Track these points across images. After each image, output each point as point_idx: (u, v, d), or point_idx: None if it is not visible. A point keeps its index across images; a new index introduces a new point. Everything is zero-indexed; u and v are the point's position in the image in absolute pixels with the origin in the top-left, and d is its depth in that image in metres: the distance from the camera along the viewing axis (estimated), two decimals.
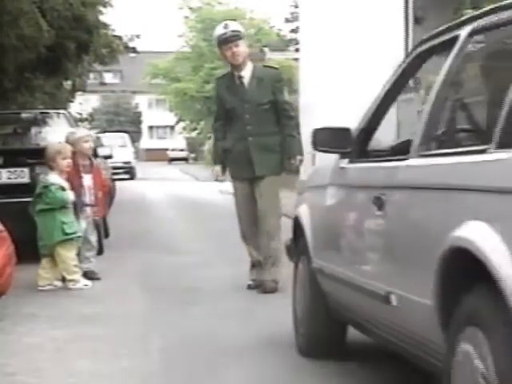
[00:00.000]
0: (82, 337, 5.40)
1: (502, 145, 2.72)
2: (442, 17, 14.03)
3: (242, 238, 6.99)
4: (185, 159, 54.73)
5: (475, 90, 3.54)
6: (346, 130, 4.16)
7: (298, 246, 4.82)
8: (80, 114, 27.11)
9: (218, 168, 7.02)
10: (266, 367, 4.58)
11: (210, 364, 4.71)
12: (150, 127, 69.93)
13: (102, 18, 17.10)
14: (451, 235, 2.79)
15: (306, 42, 24.82)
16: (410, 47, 14.76)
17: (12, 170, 8.80)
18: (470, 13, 11.22)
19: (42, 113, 11.44)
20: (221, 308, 6.25)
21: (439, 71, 3.39)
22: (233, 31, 6.88)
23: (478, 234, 2.65)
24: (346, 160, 4.19)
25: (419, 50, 3.81)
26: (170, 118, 57.06)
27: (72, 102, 25.14)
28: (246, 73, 6.90)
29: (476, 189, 2.77)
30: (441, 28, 3.60)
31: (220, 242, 9.68)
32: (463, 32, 3.31)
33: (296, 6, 37.63)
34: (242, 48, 6.86)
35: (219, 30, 6.93)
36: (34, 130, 10.49)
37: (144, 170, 37.28)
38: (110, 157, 11.26)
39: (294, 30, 43.17)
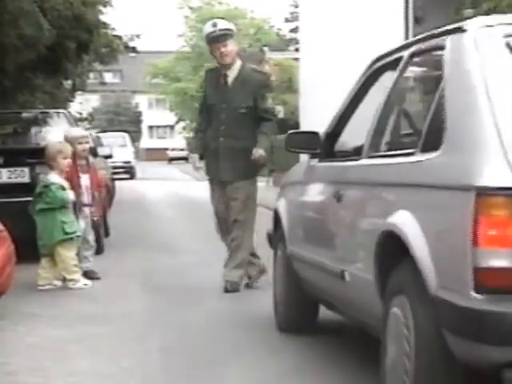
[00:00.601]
0: (82, 336, 5.40)
1: (424, 149, 3.36)
2: (442, 17, 14.02)
3: (221, 239, 7.09)
4: (185, 159, 54.64)
5: (412, 103, 4.08)
6: (315, 134, 4.83)
7: (276, 235, 5.46)
8: (80, 113, 27.14)
9: (195, 156, 7.02)
10: (263, 370, 4.59)
11: (210, 364, 4.71)
12: (150, 127, 69.94)
13: (102, 17, 17.10)
14: (385, 222, 3.45)
15: (305, 41, 24.82)
16: None
17: (12, 169, 8.80)
18: (470, 12, 11.20)
19: (42, 112, 11.45)
20: (221, 308, 6.25)
21: (385, 86, 4.07)
22: (221, 30, 6.80)
23: (403, 221, 3.30)
24: (316, 160, 4.84)
25: (374, 66, 4.44)
26: (169, 118, 57.08)
27: (72, 101, 25.16)
28: (232, 72, 6.82)
29: (403, 184, 3.44)
30: (390, 49, 4.20)
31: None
32: (406, 53, 3.92)
33: (296, 6, 37.64)
34: (230, 47, 6.78)
35: (208, 28, 6.87)
36: (34, 129, 10.49)
37: (144, 169, 37.26)
38: (109, 156, 11.27)
39: (293, 30, 43.19)
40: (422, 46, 3.78)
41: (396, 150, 3.80)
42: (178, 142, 60.48)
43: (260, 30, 49.00)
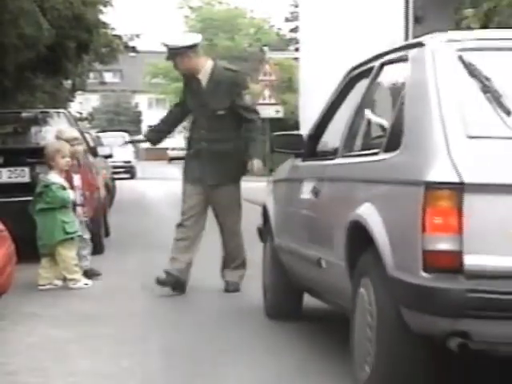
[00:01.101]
0: (82, 336, 5.39)
1: (386, 149, 3.82)
2: (442, 16, 14.02)
3: (176, 235, 6.83)
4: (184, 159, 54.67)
5: (380, 108, 4.42)
6: (299, 136, 5.33)
7: (265, 228, 5.90)
8: (80, 113, 27.12)
9: (140, 137, 7.27)
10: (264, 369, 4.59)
11: (211, 363, 4.71)
12: (150, 127, 69.95)
13: (102, 17, 17.08)
14: (352, 213, 3.92)
15: (305, 41, 24.81)
16: None
17: (12, 169, 8.79)
18: (470, 12, 11.09)
19: (42, 112, 11.43)
20: (221, 307, 6.25)
21: (358, 93, 4.52)
22: (171, 49, 6.73)
23: (367, 212, 3.77)
24: (299, 159, 5.27)
25: (350, 75, 4.86)
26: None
27: (72, 101, 25.15)
28: (204, 75, 6.70)
29: (368, 180, 3.92)
30: (364, 59, 4.63)
31: (219, 240, 9.66)
32: (377, 63, 4.37)
33: (296, 6, 37.61)
34: (185, 63, 6.68)
35: (166, 42, 6.85)
36: (34, 129, 10.48)
37: (144, 169, 37.26)
38: (109, 156, 11.25)
39: (293, 30, 43.16)
40: (390, 57, 4.23)
41: (365, 150, 4.23)
42: (178, 141, 60.48)
43: (260, 30, 48.99)
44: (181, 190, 7.00)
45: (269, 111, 24.54)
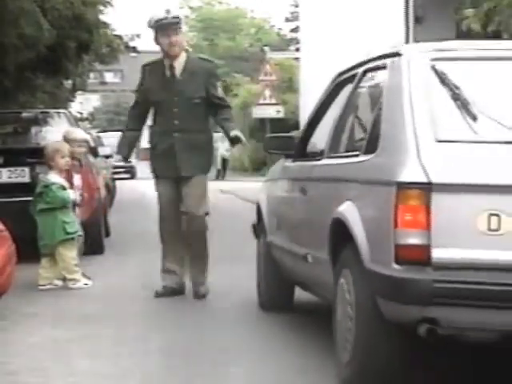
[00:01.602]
0: (82, 336, 5.40)
1: (366, 151, 4.13)
2: (443, 16, 14.02)
3: (161, 240, 6.81)
4: None
5: (362, 112, 4.66)
6: (290, 137, 5.68)
7: (259, 225, 6.20)
8: (80, 113, 27.12)
9: (119, 157, 6.82)
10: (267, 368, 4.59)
11: (211, 364, 4.71)
12: (151, 127, 69.96)
13: (102, 17, 17.08)
14: (335, 211, 4.23)
15: (306, 41, 24.81)
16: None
17: (12, 169, 8.79)
18: (470, 12, 11.10)
19: (42, 112, 11.43)
20: (221, 307, 6.25)
21: (343, 98, 4.84)
22: (174, 18, 6.44)
23: (347, 210, 4.10)
24: (290, 160, 5.54)
25: (337, 80, 5.15)
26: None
27: (72, 101, 25.16)
28: (179, 64, 6.45)
29: (349, 180, 4.24)
30: (349, 66, 4.91)
31: (220, 241, 9.67)
32: (360, 70, 4.65)
33: (296, 6, 37.60)
34: (180, 37, 6.44)
35: (159, 14, 6.45)
36: (34, 129, 10.48)
37: (144, 169, 37.18)
38: (110, 156, 11.24)
39: (294, 30, 43.16)
40: (372, 64, 4.51)
41: (347, 151, 4.55)
42: None
43: (261, 30, 48.98)
44: (155, 189, 6.80)
45: (269, 111, 24.56)
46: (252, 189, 10.35)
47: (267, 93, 24.34)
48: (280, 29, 52.69)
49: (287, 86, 29.96)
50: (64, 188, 7.35)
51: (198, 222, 6.56)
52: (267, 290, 6.00)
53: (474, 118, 3.79)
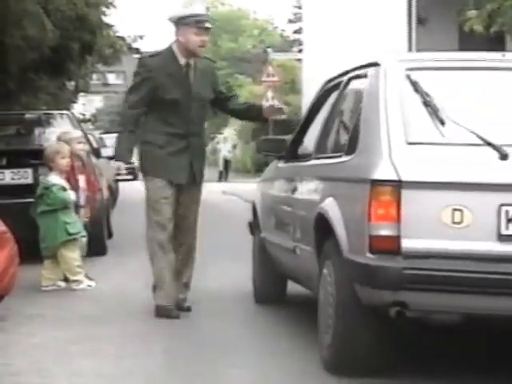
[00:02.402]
0: (84, 337, 5.40)
1: (347, 152, 4.52)
2: (446, 18, 14.02)
3: (155, 251, 5.88)
4: None
5: (345, 117, 5.02)
6: (282, 140, 6.10)
7: (254, 223, 6.60)
8: (83, 114, 27.15)
9: (120, 164, 6.11)
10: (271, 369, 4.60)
11: (213, 364, 4.72)
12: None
13: (105, 18, 17.12)
14: (318, 207, 4.66)
15: (309, 42, 24.83)
16: (414, 48, 14.77)
17: (15, 170, 8.80)
18: (473, 13, 11.12)
19: (45, 113, 11.44)
20: (222, 308, 6.26)
21: (330, 103, 5.25)
22: (209, 16, 6.03)
23: (328, 205, 4.52)
24: (283, 161, 5.94)
25: (325, 87, 5.54)
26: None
27: (75, 102, 25.18)
28: (192, 63, 5.97)
29: (332, 178, 4.67)
30: (336, 74, 5.32)
31: (222, 242, 9.67)
32: (345, 78, 5.06)
33: (299, 7, 37.64)
34: (208, 39, 6.01)
35: (197, 9, 5.92)
36: (37, 130, 10.48)
37: None
38: (113, 157, 11.24)
39: (297, 31, 43.20)
40: (355, 73, 4.89)
41: (332, 153, 4.92)
42: None
43: (263, 31, 49.02)
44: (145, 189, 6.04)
45: None
46: (254, 190, 10.35)
47: (270, 94, 24.33)
48: (283, 30, 52.78)
49: (290, 87, 30.00)
50: (65, 189, 7.33)
51: (193, 234, 6.11)
52: (262, 285, 6.35)
53: (443, 123, 4.17)
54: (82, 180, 7.73)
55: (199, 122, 6.05)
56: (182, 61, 5.93)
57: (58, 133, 8.15)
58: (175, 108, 5.89)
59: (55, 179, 7.35)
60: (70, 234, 7.26)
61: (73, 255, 7.26)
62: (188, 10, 5.89)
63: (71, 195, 7.36)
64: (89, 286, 7.24)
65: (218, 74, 6.36)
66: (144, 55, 6.32)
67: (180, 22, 5.87)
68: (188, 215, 6.03)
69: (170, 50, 5.99)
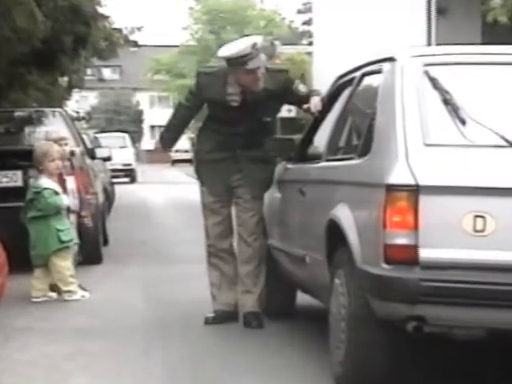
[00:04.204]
0: (78, 352, 5.41)
1: (360, 154, 4.51)
2: (467, 8, 14.00)
3: (212, 256, 6.28)
4: (189, 161, 54.78)
5: (359, 115, 5.00)
6: (290, 140, 6.11)
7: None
8: (77, 112, 27.20)
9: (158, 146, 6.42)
10: None
11: (217, 379, 4.73)
12: (152, 127, 70.00)
13: (100, 9, 17.14)
14: (330, 213, 4.65)
15: (320, 34, 24.82)
16: (434, 40, 14.76)
17: (3, 173, 8.82)
18: (497, 3, 11.14)
19: (36, 111, 11.47)
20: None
21: (342, 101, 5.25)
22: (257, 50, 5.91)
23: (340, 211, 4.52)
24: (291, 162, 5.94)
25: (338, 83, 5.53)
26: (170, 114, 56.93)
27: (68, 99, 25.22)
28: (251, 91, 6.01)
29: (344, 182, 4.65)
30: (347, 70, 5.33)
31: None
32: (358, 74, 5.05)
33: None
34: (262, 70, 5.97)
35: (243, 50, 5.86)
36: (27, 129, 10.51)
37: (145, 172, 37.32)
38: (108, 159, 11.26)
39: (306, 22, 43.23)
40: (369, 68, 4.89)
41: (344, 154, 4.94)
42: (182, 143, 60.56)
43: (271, 23, 49.06)
44: (201, 204, 6.36)
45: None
46: None
47: None
48: (291, 21, 52.82)
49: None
50: (57, 193, 7.32)
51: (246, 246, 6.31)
52: (269, 295, 6.22)
53: (464, 123, 4.16)
54: (70, 182, 7.72)
55: (259, 135, 6.06)
56: (237, 89, 6.00)
57: (44, 132, 8.15)
58: (221, 123, 6.11)
59: (47, 183, 7.34)
60: (63, 242, 7.26)
61: (65, 264, 7.27)
62: (235, 50, 5.90)
63: (64, 200, 7.36)
64: (82, 296, 7.25)
65: (292, 83, 6.12)
66: (202, 70, 6.39)
67: (229, 62, 5.96)
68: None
69: (224, 74, 6.05)
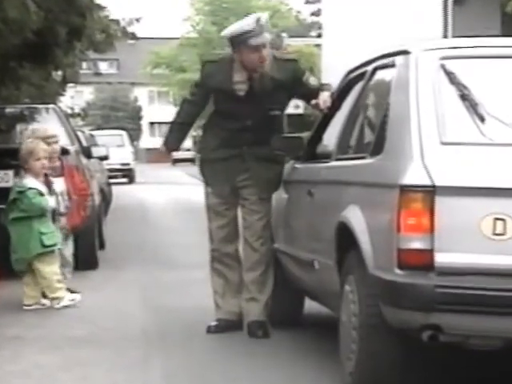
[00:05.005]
0: (74, 362, 5.41)
1: (372, 153, 4.50)
2: None
3: (216, 261, 6.26)
4: (191, 160, 54.80)
5: (370, 112, 5.03)
6: (299, 138, 6.07)
7: None
8: (72, 108, 27.17)
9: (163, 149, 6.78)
10: None
11: None
12: (151, 124, 70.11)
13: None
14: (340, 215, 4.63)
15: (329, 25, 24.84)
16: (450, 31, 14.76)
17: None
18: None
19: (28, 108, 11.47)
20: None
21: (353, 96, 5.23)
22: (263, 27, 5.92)
23: (351, 213, 4.50)
24: (299, 161, 5.93)
25: (348, 77, 5.53)
26: (173, 114, 57.07)
27: (62, 95, 25.23)
28: (256, 73, 6.02)
29: (355, 182, 4.64)
30: (358, 63, 5.33)
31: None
32: (370, 68, 5.04)
33: None
34: (268, 50, 6.01)
35: (246, 26, 5.90)
36: (19, 127, 10.51)
37: (144, 172, 37.37)
38: (105, 158, 11.27)
39: (315, 13, 43.27)
40: (381, 62, 4.88)
41: (355, 153, 4.92)
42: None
43: (277, 14, 49.05)
44: (205, 205, 6.35)
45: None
46: None
47: None
48: (299, 12, 52.82)
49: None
50: (42, 194, 7.28)
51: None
52: (275, 302, 6.15)
53: (482, 120, 4.14)
54: (59, 183, 7.69)
55: (267, 130, 6.05)
56: (243, 77, 6.02)
57: (30, 130, 8.11)
58: (227, 116, 6.11)
59: (31, 182, 7.30)
60: (46, 246, 7.17)
61: (50, 269, 7.18)
62: (237, 27, 5.96)
63: (49, 201, 7.30)
64: (72, 300, 7.17)
65: (303, 73, 6.14)
66: (207, 59, 6.54)
67: (232, 42, 5.99)
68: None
69: (230, 61, 6.09)
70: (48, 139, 7.69)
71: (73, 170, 8.14)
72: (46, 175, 7.48)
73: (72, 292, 7.37)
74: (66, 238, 7.71)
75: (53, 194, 7.46)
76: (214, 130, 6.24)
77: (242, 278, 6.22)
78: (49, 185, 7.46)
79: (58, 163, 7.80)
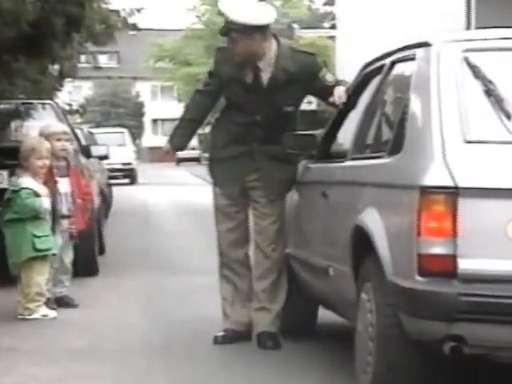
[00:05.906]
0: (71, 375, 5.41)
1: (390, 152, 4.48)
2: None
3: (225, 267, 6.26)
4: (196, 160, 54.87)
5: (389, 108, 5.03)
6: (312, 136, 6.00)
7: None
8: (70, 104, 27.21)
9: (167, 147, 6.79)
10: None
11: None
12: (154, 121, 70.23)
13: None
14: (356, 217, 4.61)
15: (344, 16, 24.83)
16: (474, 23, 14.74)
17: None
18: None
19: (23, 104, 11.50)
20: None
21: (370, 92, 5.21)
22: (238, 25, 5.99)
23: (368, 216, 4.48)
24: (312, 161, 5.91)
25: (365, 71, 5.52)
26: (177, 110, 57.20)
27: (60, 90, 25.26)
28: (266, 63, 6.02)
29: (372, 183, 4.62)
30: (375, 56, 5.31)
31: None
32: (388, 61, 5.02)
33: None
34: (248, 42, 5.94)
35: (240, 15, 6.01)
36: (14, 124, 10.54)
37: (147, 172, 37.44)
38: (105, 157, 11.29)
39: (328, 3, 43.24)
40: (400, 55, 4.86)
41: (372, 152, 4.90)
42: None
43: (288, 3, 49.07)
44: (213, 208, 6.34)
45: None
46: None
47: None
48: (311, 1, 52.79)
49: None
50: (37, 195, 7.24)
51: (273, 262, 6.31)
52: (286, 311, 6.13)
53: (508, 116, 4.11)
54: (65, 184, 7.69)
55: (279, 128, 6.04)
56: (248, 64, 6.05)
57: (41, 127, 8.12)
58: (238, 108, 6.13)
59: (27, 182, 7.27)
60: (38, 250, 7.13)
61: (36, 278, 7.11)
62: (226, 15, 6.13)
63: (44, 203, 7.27)
64: (44, 316, 7.07)
65: (319, 68, 6.13)
66: (220, 46, 6.55)
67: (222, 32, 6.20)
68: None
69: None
70: (55, 136, 7.71)
71: (78, 172, 8.14)
72: (51, 174, 7.48)
73: (67, 304, 7.38)
74: (66, 243, 7.70)
75: (55, 195, 7.46)
76: (224, 125, 6.25)
77: (251, 286, 6.21)
78: (52, 185, 7.46)
79: (63, 163, 7.78)
